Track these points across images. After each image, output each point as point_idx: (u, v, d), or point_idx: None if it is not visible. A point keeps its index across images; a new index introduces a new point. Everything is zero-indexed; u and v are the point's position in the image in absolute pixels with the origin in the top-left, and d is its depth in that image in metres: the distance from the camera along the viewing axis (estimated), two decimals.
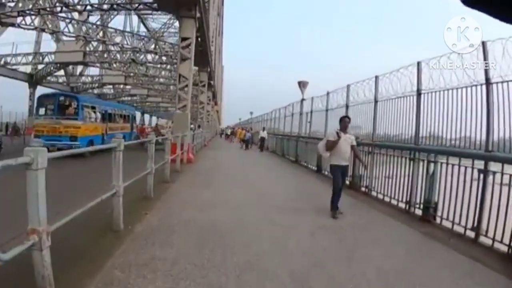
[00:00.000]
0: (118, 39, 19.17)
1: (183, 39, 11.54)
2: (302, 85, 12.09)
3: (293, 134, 13.45)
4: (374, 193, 6.75)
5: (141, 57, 23.05)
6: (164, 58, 22.06)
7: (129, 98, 56.14)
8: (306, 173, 9.92)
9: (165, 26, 35.12)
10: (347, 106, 8.26)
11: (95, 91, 47.80)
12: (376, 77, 7.01)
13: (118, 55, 23.02)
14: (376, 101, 7.06)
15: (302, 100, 12.19)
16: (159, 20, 42.21)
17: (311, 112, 11.08)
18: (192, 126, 17.45)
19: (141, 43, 19.15)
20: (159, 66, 26.51)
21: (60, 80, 37.44)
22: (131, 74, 28.65)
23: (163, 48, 19.33)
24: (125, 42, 18.55)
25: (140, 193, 5.54)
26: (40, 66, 33.66)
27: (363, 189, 7.21)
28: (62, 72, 37.50)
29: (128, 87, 45.58)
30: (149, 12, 36.33)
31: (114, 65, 24.58)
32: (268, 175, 9.34)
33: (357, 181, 7.43)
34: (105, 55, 22.79)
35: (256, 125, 27.20)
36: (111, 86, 49.24)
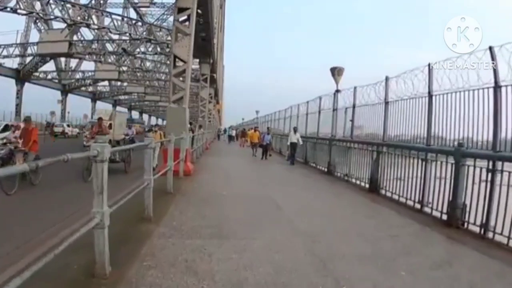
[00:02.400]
0: (106, 22, 16.18)
1: (180, 9, 8.67)
2: (336, 72, 9.21)
3: (321, 136, 10.55)
4: (499, 238, 3.92)
5: (136, 49, 20.28)
6: (159, 50, 19.29)
7: (126, 97, 53.47)
8: (355, 192, 6.88)
9: (162, 17, 32.48)
10: (430, 95, 5.41)
11: (90, 88, 45.09)
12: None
13: (108, 45, 20.14)
14: (499, 86, 4.23)
15: (336, 91, 9.29)
16: (158, 16, 39.65)
17: (354, 107, 8.16)
18: (191, 126, 14.40)
19: (133, 28, 16.21)
20: (154, 56, 23.58)
21: (49, 76, 34.81)
22: (124, 69, 25.72)
23: (158, 35, 16.41)
24: (113, 24, 15.60)
25: (87, 257, 2.69)
26: (27, 60, 30.95)
27: (473, 228, 4.34)
28: (54, 68, 34.83)
29: (124, 84, 42.96)
30: (147, 4, 33.77)
31: (105, 57, 21.63)
32: (314, 207, 5.64)
33: (458, 214, 4.59)
34: (93, 45, 19.87)
35: (264, 125, 24.08)
36: (106, 83, 46.68)
